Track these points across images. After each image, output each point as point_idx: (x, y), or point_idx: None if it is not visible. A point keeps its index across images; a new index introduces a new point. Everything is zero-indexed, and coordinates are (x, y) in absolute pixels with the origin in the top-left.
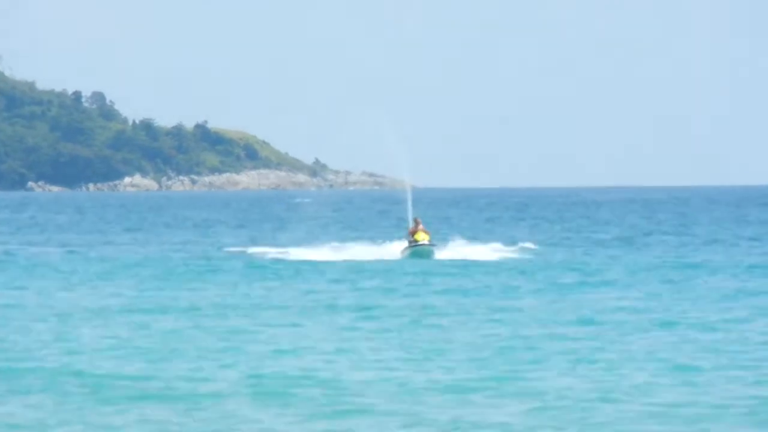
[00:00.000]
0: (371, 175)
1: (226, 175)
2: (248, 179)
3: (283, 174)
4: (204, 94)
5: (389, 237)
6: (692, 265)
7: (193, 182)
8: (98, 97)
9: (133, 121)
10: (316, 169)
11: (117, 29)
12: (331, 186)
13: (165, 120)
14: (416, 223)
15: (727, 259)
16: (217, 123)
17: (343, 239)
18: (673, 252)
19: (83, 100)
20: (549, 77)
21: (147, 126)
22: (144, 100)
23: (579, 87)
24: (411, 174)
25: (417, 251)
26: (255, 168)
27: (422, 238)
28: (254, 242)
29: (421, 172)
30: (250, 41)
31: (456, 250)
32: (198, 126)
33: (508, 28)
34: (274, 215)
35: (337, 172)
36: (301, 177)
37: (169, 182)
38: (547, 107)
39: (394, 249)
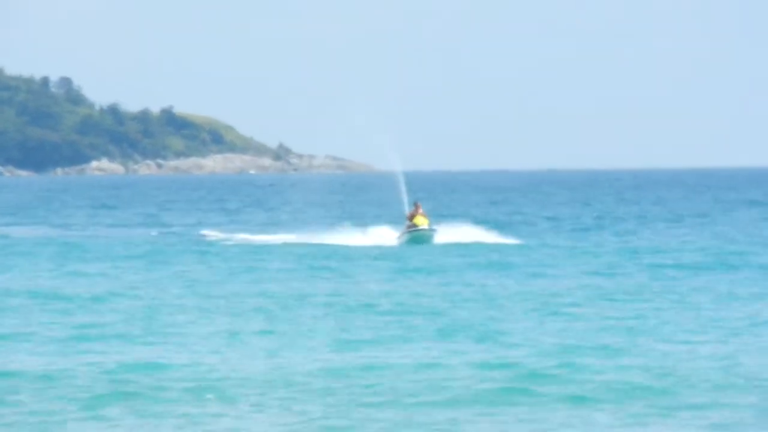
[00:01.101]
0: (335, 158)
1: (191, 159)
2: (213, 163)
3: (248, 158)
4: (170, 79)
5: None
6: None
7: (159, 166)
8: (65, 82)
9: (100, 106)
10: (281, 153)
11: (84, 15)
12: (295, 170)
13: (131, 105)
14: (416, 207)
15: None
16: (183, 108)
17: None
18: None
19: (51, 85)
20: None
21: (114, 111)
22: (111, 85)
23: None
24: (398, 158)
25: (416, 236)
26: (220, 152)
27: (421, 222)
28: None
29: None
30: (215, 26)
31: (458, 233)
32: (164, 111)
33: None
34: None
35: (301, 156)
36: (266, 161)
37: (136, 166)
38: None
39: (385, 234)
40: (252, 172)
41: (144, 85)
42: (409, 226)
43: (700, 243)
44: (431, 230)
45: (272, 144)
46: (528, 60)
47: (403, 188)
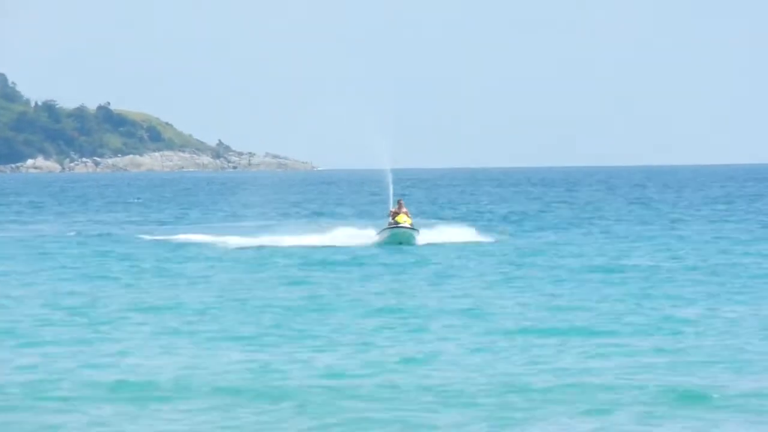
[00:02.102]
0: (275, 156)
1: (129, 157)
2: (151, 161)
3: (186, 156)
4: (107, 76)
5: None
6: None
7: (96, 164)
8: (0, 78)
9: (36, 103)
10: (220, 151)
11: (19, 10)
12: (234, 167)
13: (68, 102)
14: (399, 204)
15: None
16: (120, 105)
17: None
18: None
19: None
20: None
21: (49, 108)
22: (46, 81)
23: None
24: (388, 156)
25: (395, 234)
26: (158, 150)
27: (403, 220)
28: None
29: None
30: (153, 22)
31: (442, 233)
32: (101, 108)
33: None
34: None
35: (240, 154)
36: (205, 159)
37: (72, 164)
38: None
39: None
40: (191, 169)
41: (80, 81)
42: (391, 223)
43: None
44: (412, 229)
45: (211, 142)
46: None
47: (390, 186)
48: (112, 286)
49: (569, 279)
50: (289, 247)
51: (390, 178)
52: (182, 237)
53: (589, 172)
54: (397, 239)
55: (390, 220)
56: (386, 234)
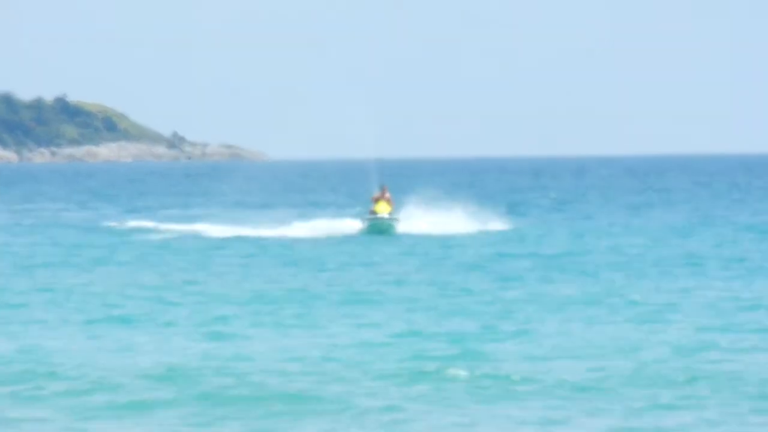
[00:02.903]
0: (229, 146)
1: (85, 148)
2: (108, 151)
3: (142, 146)
4: (63, 67)
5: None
6: None
7: (53, 154)
8: None
9: None
10: (175, 142)
11: None
12: (189, 158)
13: (24, 93)
14: (382, 191)
15: None
16: (77, 96)
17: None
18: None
19: None
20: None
21: (7, 99)
22: (3, 73)
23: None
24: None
25: (375, 225)
26: (114, 140)
27: (382, 209)
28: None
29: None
30: (108, 13)
31: (423, 221)
32: (57, 99)
33: None
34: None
35: (194, 144)
36: (160, 149)
37: (30, 154)
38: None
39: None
40: (147, 159)
41: (37, 73)
42: (371, 213)
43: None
44: (391, 219)
45: (166, 132)
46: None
47: (373, 174)
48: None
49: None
50: (266, 237)
51: (373, 168)
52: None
53: (584, 163)
54: (376, 230)
55: (371, 208)
56: (365, 225)
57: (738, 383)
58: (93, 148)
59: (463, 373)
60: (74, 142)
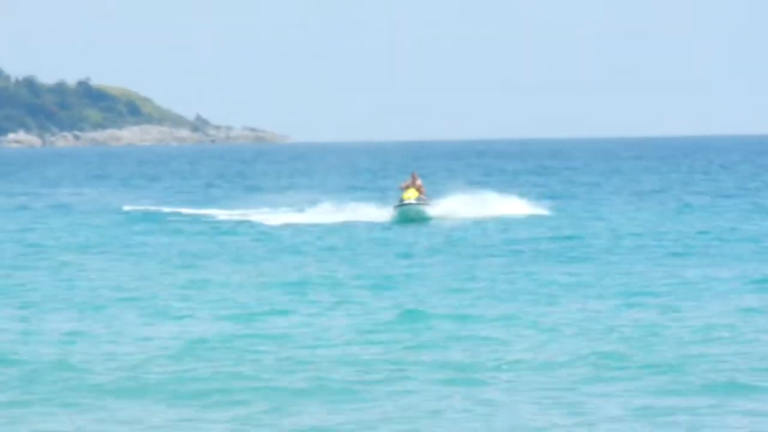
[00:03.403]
0: (252, 129)
1: (108, 131)
2: (131, 135)
3: (165, 130)
4: (86, 51)
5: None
6: None
7: (77, 138)
8: None
9: (16, 78)
10: (198, 125)
11: None
12: (213, 141)
13: (47, 77)
14: (413, 177)
15: None
16: (100, 80)
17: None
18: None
19: None
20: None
21: (30, 83)
22: (26, 57)
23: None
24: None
25: (403, 213)
26: (137, 124)
27: (410, 196)
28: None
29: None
30: None
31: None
32: (80, 83)
33: None
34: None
35: (218, 128)
36: (183, 132)
37: (53, 138)
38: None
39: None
40: (170, 143)
41: (60, 56)
42: (399, 201)
43: None
44: (419, 204)
45: (189, 115)
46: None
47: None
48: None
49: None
50: (307, 224)
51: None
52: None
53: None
54: (406, 217)
55: (400, 196)
56: (396, 213)
57: None
58: (116, 132)
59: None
60: (97, 125)
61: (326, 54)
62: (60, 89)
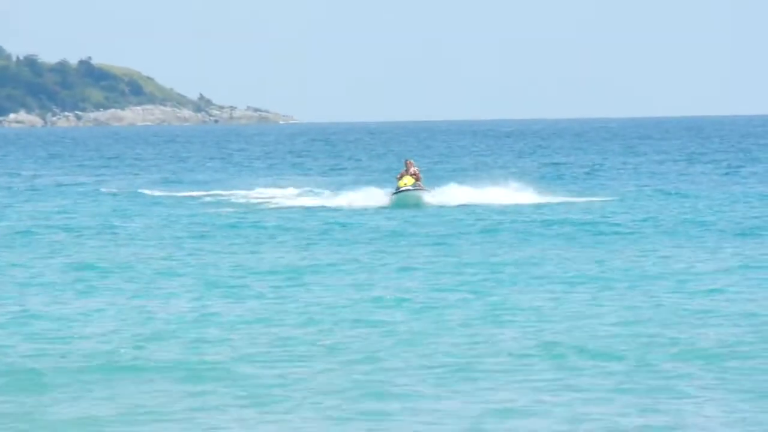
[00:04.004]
0: (256, 110)
1: (110, 111)
2: (133, 115)
3: (168, 109)
4: (88, 30)
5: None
6: None
7: (78, 118)
8: None
9: (17, 57)
10: (201, 105)
11: None
12: (216, 121)
13: (49, 56)
14: (407, 166)
15: None
16: (102, 59)
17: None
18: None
19: None
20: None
21: (31, 62)
22: (27, 36)
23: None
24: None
25: (400, 199)
26: (140, 104)
27: (405, 183)
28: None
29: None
30: None
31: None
32: (82, 62)
33: None
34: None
35: (221, 108)
36: (186, 112)
37: (54, 118)
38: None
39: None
40: (173, 123)
41: (62, 35)
42: (396, 189)
43: None
44: (415, 190)
45: (192, 95)
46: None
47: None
48: None
49: None
50: (292, 207)
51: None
52: None
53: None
54: (402, 203)
55: (396, 184)
56: (393, 200)
57: None
58: (118, 112)
59: None
60: (99, 105)
61: (331, 34)
62: (61, 69)
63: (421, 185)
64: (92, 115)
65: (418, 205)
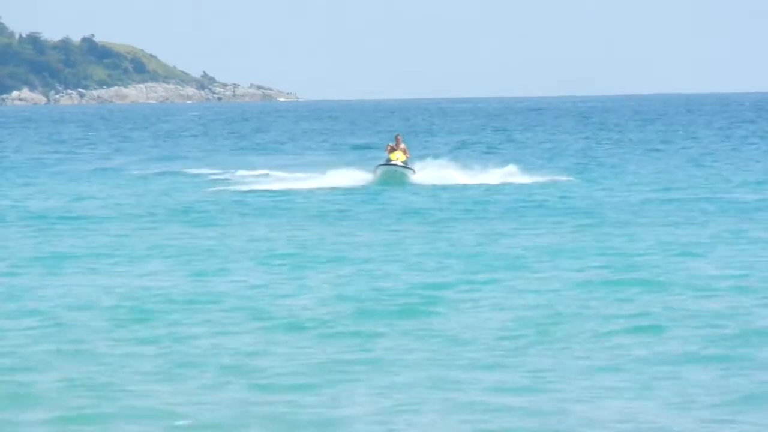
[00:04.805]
0: (259, 87)
1: (114, 89)
2: (136, 92)
3: (171, 87)
4: (91, 7)
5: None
6: None
7: (81, 96)
8: None
9: (20, 35)
10: (204, 82)
11: None
12: (219, 99)
13: (52, 34)
14: (397, 140)
15: None
16: (105, 36)
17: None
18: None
19: None
20: None
21: (34, 40)
22: (30, 13)
23: None
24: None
25: (386, 172)
26: (143, 81)
27: (397, 158)
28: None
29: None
30: None
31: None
32: (85, 40)
33: None
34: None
35: (225, 85)
36: (189, 90)
37: (57, 96)
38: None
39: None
40: (176, 101)
41: (64, 13)
42: (386, 160)
43: None
44: (403, 167)
45: (195, 73)
46: None
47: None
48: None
49: None
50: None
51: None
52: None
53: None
54: (388, 178)
55: (386, 156)
56: (378, 172)
57: None
58: (121, 90)
59: None
60: (102, 83)
61: (335, 11)
62: (64, 46)
63: (408, 163)
64: (95, 92)
65: (401, 182)
